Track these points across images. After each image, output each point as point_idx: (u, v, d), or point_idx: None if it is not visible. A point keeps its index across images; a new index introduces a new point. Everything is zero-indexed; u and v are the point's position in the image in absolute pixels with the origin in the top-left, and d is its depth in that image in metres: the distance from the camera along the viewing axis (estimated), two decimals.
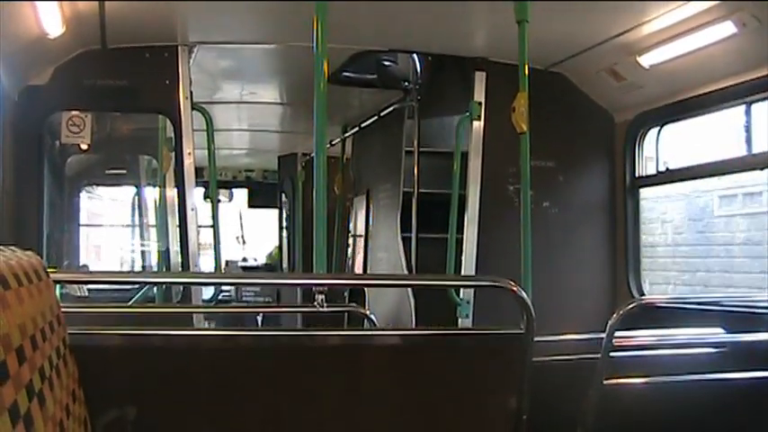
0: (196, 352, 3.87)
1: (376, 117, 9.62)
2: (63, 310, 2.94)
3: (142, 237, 10.78)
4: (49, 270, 2.82)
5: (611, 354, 4.70)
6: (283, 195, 14.76)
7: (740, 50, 5.86)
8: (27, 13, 5.27)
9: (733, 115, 6.79)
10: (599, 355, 4.71)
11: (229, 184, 15.67)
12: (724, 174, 7.48)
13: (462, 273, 7.25)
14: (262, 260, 16.65)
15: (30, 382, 1.99)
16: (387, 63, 8.74)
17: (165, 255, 7.79)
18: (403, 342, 4.23)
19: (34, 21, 5.41)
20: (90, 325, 3.72)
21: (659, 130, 7.42)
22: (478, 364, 4.11)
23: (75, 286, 8.34)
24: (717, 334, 5.37)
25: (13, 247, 2.45)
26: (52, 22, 5.58)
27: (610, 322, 4.69)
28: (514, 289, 3.96)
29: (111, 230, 12.67)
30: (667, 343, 5.27)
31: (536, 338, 4.04)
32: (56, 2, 5.33)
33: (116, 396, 3.55)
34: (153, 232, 9.92)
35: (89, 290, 8.98)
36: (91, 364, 3.10)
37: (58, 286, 3.20)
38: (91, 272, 8.84)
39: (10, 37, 5.56)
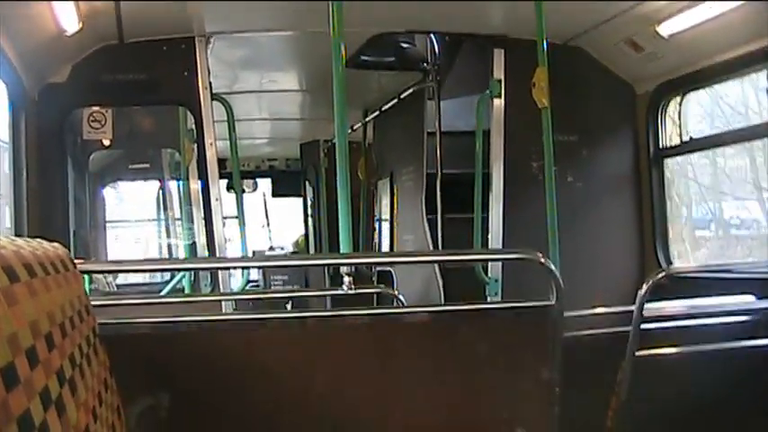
0: (226, 337, 3.88)
1: (396, 100, 9.60)
2: (93, 302, 2.95)
3: (168, 231, 10.79)
4: (75, 261, 2.83)
5: (643, 325, 4.68)
6: (307, 183, 14.77)
7: (761, 15, 5.80)
8: (43, 11, 5.29)
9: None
10: (630, 328, 4.69)
11: (253, 174, 15.64)
12: (749, 140, 7.41)
13: None
14: (288, 249, 16.65)
15: (60, 368, 2.00)
16: (404, 45, 8.73)
17: (191, 248, 7.82)
18: (433, 319, 4.22)
19: (51, 18, 5.42)
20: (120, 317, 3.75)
21: (681, 100, 7.36)
22: (509, 338, 4.10)
23: (104, 282, 8.38)
24: (748, 301, 5.34)
25: (39, 239, 2.46)
26: (69, 19, 5.59)
27: (639, 293, 4.67)
28: (542, 261, 3.95)
29: (137, 226, 12.70)
30: (698, 312, 5.25)
31: (566, 313, 4.03)
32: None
33: (148, 384, 3.57)
34: (179, 226, 9.94)
35: (117, 285, 9.03)
36: (121, 353, 3.10)
37: (86, 282, 3.21)
38: (118, 261, 8.86)
39: (27, 36, 5.58)
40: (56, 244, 2.66)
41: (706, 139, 7.46)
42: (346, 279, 4.72)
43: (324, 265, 7.94)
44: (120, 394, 3.04)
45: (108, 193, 11.18)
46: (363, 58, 8.19)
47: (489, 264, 7.27)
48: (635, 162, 7.66)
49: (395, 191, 9.94)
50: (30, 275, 1.97)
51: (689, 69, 6.93)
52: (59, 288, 2.30)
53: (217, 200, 6.84)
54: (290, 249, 16.56)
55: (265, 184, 16.41)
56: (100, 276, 7.81)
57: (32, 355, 1.77)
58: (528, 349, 4.09)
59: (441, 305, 6.77)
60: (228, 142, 7.65)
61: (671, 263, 7.49)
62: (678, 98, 7.38)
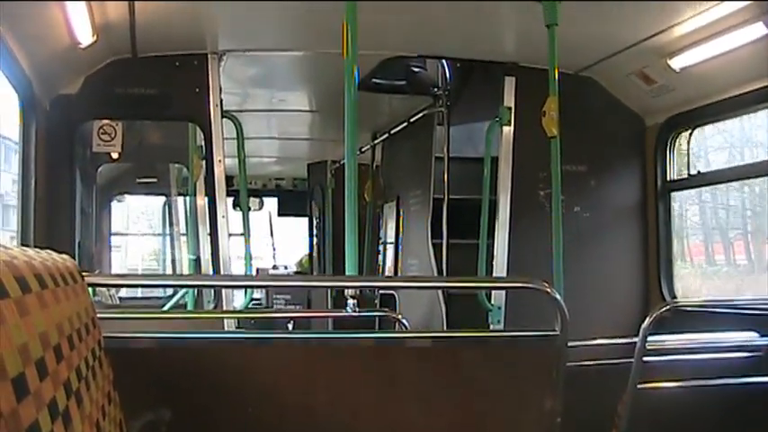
0: (229, 354, 3.87)
1: (406, 123, 9.61)
2: (98, 315, 2.95)
3: (173, 246, 10.79)
4: (83, 273, 2.84)
5: (645, 358, 4.68)
6: (313, 203, 14.77)
7: None
8: (58, 22, 5.30)
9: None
10: (632, 360, 4.69)
11: (259, 193, 15.66)
12: (757, 176, 7.41)
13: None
14: (292, 268, 16.64)
15: (67, 380, 2.00)
16: (416, 69, 8.75)
17: (196, 263, 7.81)
18: (436, 344, 4.20)
19: (65, 30, 5.44)
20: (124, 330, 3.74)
21: (690, 133, 7.37)
22: (512, 366, 4.09)
23: (108, 295, 8.37)
24: (751, 338, 5.33)
25: (48, 251, 2.47)
26: (83, 31, 5.61)
27: (643, 326, 4.67)
28: (548, 290, 3.93)
29: (142, 239, 12.69)
30: (701, 347, 5.25)
31: (570, 343, 4.02)
32: (86, 10, 5.35)
33: (151, 399, 3.56)
34: (184, 241, 9.93)
35: (120, 299, 9.02)
36: (125, 367, 3.10)
37: (90, 294, 3.21)
38: (124, 275, 8.86)
39: (41, 46, 5.60)
40: (64, 256, 2.67)
41: (713, 174, 7.46)
42: (351, 301, 4.72)
43: (331, 287, 7.92)
44: (123, 408, 3.04)
45: (115, 205, 11.17)
46: (375, 80, 8.22)
47: (493, 291, 7.25)
48: (642, 194, 7.66)
49: (401, 214, 9.94)
50: (40, 286, 1.97)
51: (699, 103, 6.93)
52: (68, 300, 2.30)
53: (223, 217, 6.84)
54: (294, 269, 16.56)
55: (271, 202, 16.41)
56: (103, 288, 7.79)
57: (42, 367, 1.77)
58: (530, 378, 4.08)
59: (444, 331, 6.75)
60: (237, 160, 7.65)
61: (675, 296, 7.48)
62: (687, 132, 7.38)
